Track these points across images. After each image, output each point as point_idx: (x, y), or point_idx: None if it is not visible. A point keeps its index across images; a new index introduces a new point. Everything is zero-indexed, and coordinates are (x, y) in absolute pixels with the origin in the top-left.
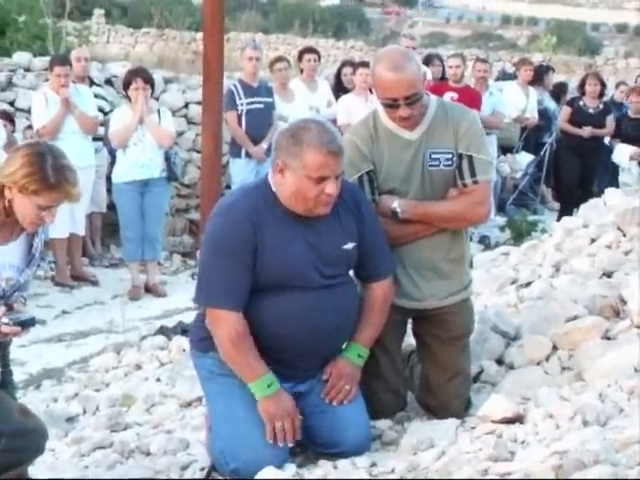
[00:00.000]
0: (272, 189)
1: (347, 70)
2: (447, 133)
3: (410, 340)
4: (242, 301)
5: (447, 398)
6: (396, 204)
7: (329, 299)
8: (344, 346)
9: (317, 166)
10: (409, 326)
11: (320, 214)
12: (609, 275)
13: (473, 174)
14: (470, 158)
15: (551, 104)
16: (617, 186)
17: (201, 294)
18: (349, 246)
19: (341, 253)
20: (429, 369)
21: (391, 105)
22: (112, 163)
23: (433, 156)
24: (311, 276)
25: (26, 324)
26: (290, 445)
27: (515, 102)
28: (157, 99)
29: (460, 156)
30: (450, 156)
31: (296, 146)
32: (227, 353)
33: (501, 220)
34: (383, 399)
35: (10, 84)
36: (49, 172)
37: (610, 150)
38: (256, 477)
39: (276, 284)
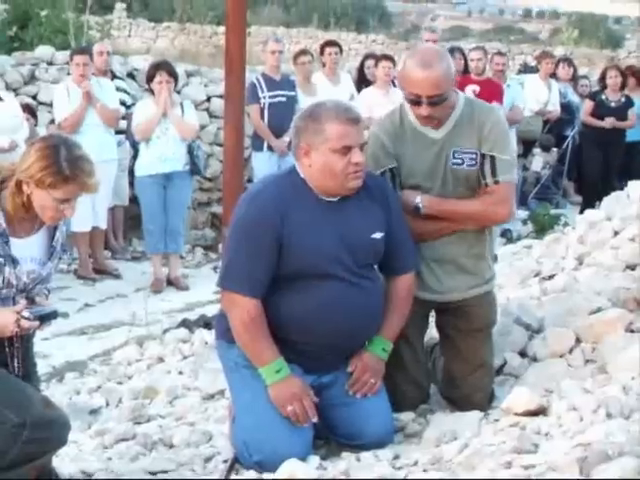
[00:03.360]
0: (301, 176)
1: (370, 63)
2: (472, 132)
3: (433, 333)
4: (259, 288)
5: (470, 390)
6: (419, 199)
7: (356, 294)
8: (368, 340)
9: (339, 136)
10: (432, 319)
11: (352, 188)
12: (632, 268)
13: (495, 174)
14: (493, 158)
15: (575, 97)
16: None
17: (221, 278)
18: (377, 236)
19: (369, 242)
20: (452, 361)
21: (414, 101)
22: (134, 156)
23: (457, 155)
24: (339, 264)
25: (47, 317)
26: (313, 420)
27: (537, 95)
28: (179, 92)
29: (483, 156)
30: (474, 156)
31: (315, 123)
32: (239, 337)
33: (523, 214)
34: (405, 391)
35: (33, 78)
36: (63, 164)
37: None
38: (279, 469)
39: (304, 272)
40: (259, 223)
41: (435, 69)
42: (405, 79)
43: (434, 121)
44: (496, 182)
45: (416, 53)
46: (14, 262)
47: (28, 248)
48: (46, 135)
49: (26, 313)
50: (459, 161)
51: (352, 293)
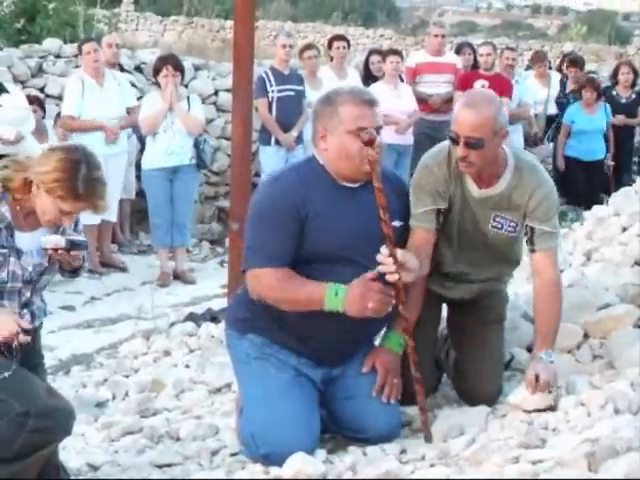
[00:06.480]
0: (320, 162)
1: (375, 58)
2: (518, 201)
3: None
4: (284, 260)
5: (481, 382)
6: None
7: None
8: (383, 334)
9: (353, 117)
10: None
11: (369, 172)
12: None
13: (535, 243)
14: (532, 229)
15: None
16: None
17: (245, 261)
18: (396, 224)
19: None
20: (463, 352)
21: (453, 139)
22: (142, 150)
23: (497, 219)
24: (356, 250)
25: (78, 246)
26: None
27: (533, 94)
28: (186, 86)
29: (525, 226)
30: (514, 225)
31: (331, 106)
32: (278, 301)
33: None
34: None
35: (40, 71)
36: (79, 182)
37: None
38: (286, 463)
39: (320, 257)
40: (278, 205)
41: (478, 110)
42: (453, 118)
43: (470, 168)
44: (532, 251)
45: (467, 94)
46: (18, 253)
47: (34, 242)
48: (70, 146)
49: (26, 325)
50: (498, 226)
51: None
